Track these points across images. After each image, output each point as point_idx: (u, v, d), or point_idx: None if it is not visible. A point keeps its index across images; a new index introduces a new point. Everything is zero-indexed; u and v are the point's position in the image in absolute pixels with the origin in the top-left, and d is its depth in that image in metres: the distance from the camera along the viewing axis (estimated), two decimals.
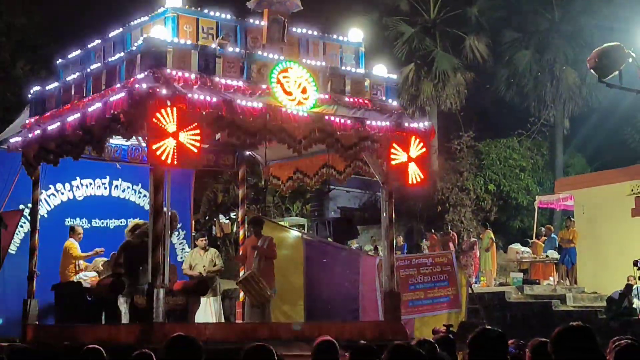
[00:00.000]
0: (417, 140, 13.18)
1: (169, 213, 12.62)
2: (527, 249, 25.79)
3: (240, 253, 15.61)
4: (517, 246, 26.49)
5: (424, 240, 27.74)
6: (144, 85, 10.76)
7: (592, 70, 7.15)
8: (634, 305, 19.54)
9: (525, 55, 35.46)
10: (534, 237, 26.98)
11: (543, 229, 27.26)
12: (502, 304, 21.94)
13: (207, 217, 28.37)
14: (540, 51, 35.42)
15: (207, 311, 14.92)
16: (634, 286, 19.28)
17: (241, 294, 15.09)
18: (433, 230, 27.09)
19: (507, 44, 35.91)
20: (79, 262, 14.79)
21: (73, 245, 14.38)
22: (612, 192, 23.31)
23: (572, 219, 25.01)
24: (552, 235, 25.96)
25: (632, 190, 22.52)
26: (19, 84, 26.83)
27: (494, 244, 25.56)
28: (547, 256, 24.91)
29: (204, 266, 15.00)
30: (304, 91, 12.14)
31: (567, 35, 34.87)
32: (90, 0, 33.00)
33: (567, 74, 34.27)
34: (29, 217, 14.25)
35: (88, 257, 14.56)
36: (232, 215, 27.42)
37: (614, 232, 22.54)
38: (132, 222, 14.32)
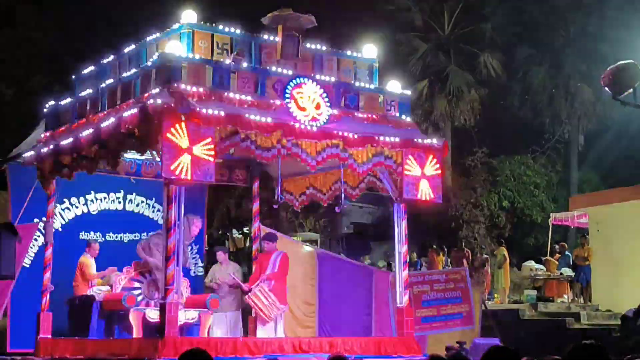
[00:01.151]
0: (430, 154, 13.21)
1: (185, 221, 12.69)
2: (541, 267, 25.74)
3: (254, 268, 15.60)
4: (531, 263, 26.45)
5: (421, 259, 27.40)
6: (159, 101, 10.81)
7: (606, 88, 7.15)
8: None
9: (539, 72, 35.49)
10: (548, 255, 26.89)
11: (557, 246, 27.18)
12: (516, 322, 21.86)
13: (220, 232, 28.42)
14: (555, 67, 35.45)
15: (225, 325, 14.88)
16: None
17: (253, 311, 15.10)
18: (434, 246, 26.89)
19: (522, 60, 35.96)
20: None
21: (88, 262, 14.39)
22: (627, 210, 23.21)
23: (587, 236, 24.92)
24: (567, 252, 25.90)
25: None
26: (34, 97, 26.97)
27: (507, 261, 25.50)
28: (561, 274, 24.85)
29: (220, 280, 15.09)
30: (317, 107, 12.18)
31: (582, 51, 34.87)
32: (106, 15, 33.14)
33: (582, 90, 34.26)
34: (43, 231, 14.30)
35: (101, 276, 14.57)
36: (245, 229, 27.47)
37: (629, 250, 22.44)
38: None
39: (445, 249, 27.69)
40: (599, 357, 4.63)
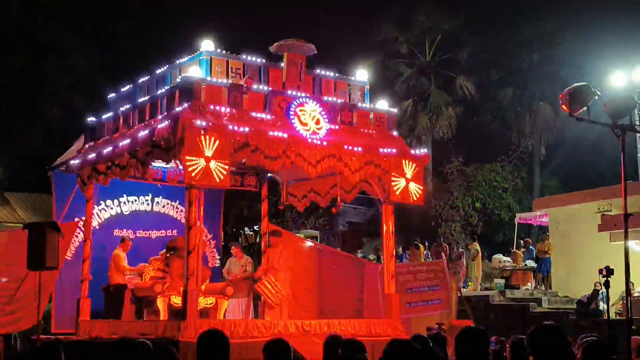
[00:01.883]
0: (413, 163, 13.22)
1: None
2: (508, 259, 25.69)
3: (263, 260, 15.58)
4: (499, 256, 26.40)
5: (406, 253, 27.21)
6: (183, 117, 10.83)
7: (563, 106, 7.15)
8: (600, 308, 19.43)
9: (507, 92, 35.51)
10: (514, 248, 26.85)
11: (522, 241, 27.15)
12: (487, 306, 21.85)
13: (234, 229, 28.41)
14: (521, 89, 35.47)
15: (238, 310, 14.89)
16: (600, 291, 19.16)
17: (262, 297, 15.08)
18: (416, 241, 26.77)
19: (492, 82, 36.00)
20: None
21: (121, 255, 14.37)
22: (582, 211, 23.23)
23: (547, 233, 24.94)
24: (530, 247, 25.88)
25: (599, 209, 22.43)
26: (76, 114, 27.05)
27: (480, 254, 25.46)
28: (525, 265, 24.81)
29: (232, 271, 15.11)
30: (317, 122, 12.19)
31: (543, 75, 34.91)
32: (136, 45, 33.23)
33: (544, 108, 34.28)
34: (83, 228, 14.31)
35: (131, 271, 14.54)
36: (255, 227, 27.43)
37: (583, 245, 22.45)
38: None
39: (426, 244, 27.63)
40: (557, 336, 4.62)
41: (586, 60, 32.57)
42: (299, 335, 11.67)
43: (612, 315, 18.73)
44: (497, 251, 28.40)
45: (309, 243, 17.97)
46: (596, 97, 7.09)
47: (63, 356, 5.48)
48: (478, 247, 25.56)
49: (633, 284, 18.57)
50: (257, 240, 24.71)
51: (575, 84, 7.17)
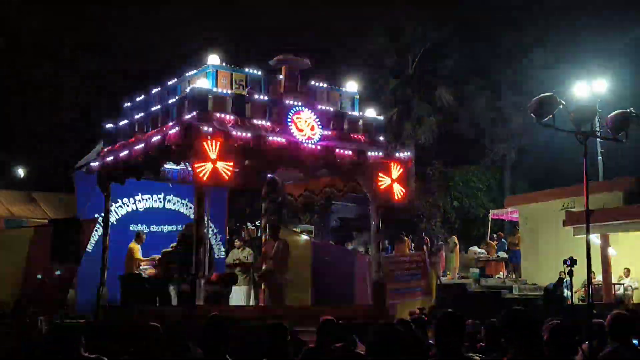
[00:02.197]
0: (398, 165, 13.23)
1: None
2: (483, 251, 25.76)
3: (263, 251, 15.56)
4: (475, 248, 26.48)
5: (392, 246, 27.11)
6: (192, 123, 10.83)
7: (532, 114, 7.18)
8: (564, 294, 19.51)
9: (482, 102, 35.55)
10: (488, 241, 26.90)
11: (495, 235, 27.22)
12: (464, 293, 21.92)
13: (237, 224, 28.32)
14: (494, 99, 35.50)
15: (240, 297, 14.87)
16: (564, 280, 19.24)
17: (263, 284, 15.06)
18: (402, 234, 26.71)
19: (469, 93, 36.02)
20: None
21: (135, 248, 14.36)
22: (548, 208, 23.32)
23: (517, 227, 25.02)
24: (502, 240, 25.95)
25: (563, 206, 22.51)
26: (95, 120, 27.04)
27: (457, 247, 25.52)
28: (498, 256, 24.90)
29: (238, 260, 15.13)
30: (312, 129, 12.18)
31: (515, 86, 34.97)
32: (148, 58, 33.13)
33: (515, 116, 34.31)
34: (102, 224, 14.30)
35: (145, 262, 14.51)
36: (257, 222, 27.37)
37: (549, 238, 22.54)
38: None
39: (410, 238, 27.63)
40: (524, 320, 4.63)
41: (553, 73, 32.68)
42: (296, 320, 11.68)
43: (575, 301, 18.88)
44: (473, 244, 28.47)
45: (304, 237, 17.97)
46: (561, 107, 7.13)
47: (83, 339, 5.49)
48: (456, 240, 25.66)
49: (594, 272, 18.66)
50: (258, 234, 24.65)
51: (543, 95, 7.20)
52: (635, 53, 33.92)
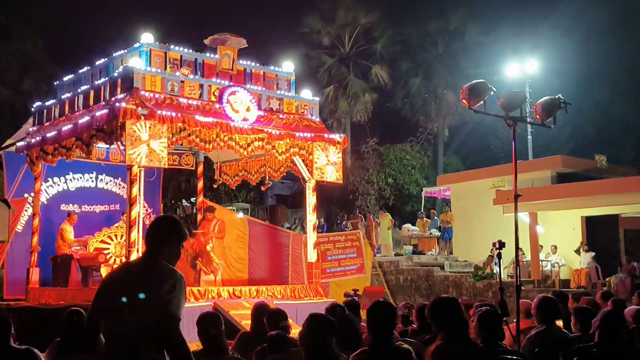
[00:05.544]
0: (335, 148, 13.28)
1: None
2: (416, 228, 26.07)
3: (199, 230, 15.42)
4: (408, 225, 26.77)
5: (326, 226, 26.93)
6: (123, 104, 10.61)
7: (463, 100, 7.28)
8: (494, 271, 19.94)
9: (416, 81, 35.86)
10: (421, 218, 27.25)
11: (428, 212, 27.58)
12: (397, 270, 22.19)
13: (172, 202, 27.98)
14: (427, 78, 35.84)
15: None
16: (494, 257, 19.67)
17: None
18: (356, 213, 26.74)
19: (403, 72, 36.23)
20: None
21: (67, 228, 14.03)
22: (479, 186, 23.71)
23: (450, 205, 25.40)
24: (435, 217, 26.31)
25: (494, 185, 22.93)
26: (26, 97, 26.24)
27: (391, 224, 25.76)
28: (430, 233, 25.23)
29: None
30: (248, 109, 12.10)
31: (448, 66, 35.34)
32: (82, 32, 32.28)
33: (447, 95, 34.72)
34: (32, 204, 13.93)
35: (77, 242, 14.20)
36: (192, 200, 27.10)
37: (480, 216, 22.95)
38: None
39: (345, 216, 27.75)
40: (453, 307, 4.69)
41: (484, 53, 33.22)
42: (230, 301, 11.66)
43: (504, 277, 19.35)
44: (407, 221, 28.81)
45: (240, 215, 17.88)
46: (491, 93, 7.24)
47: (13, 329, 5.33)
48: (390, 218, 25.86)
49: (522, 250, 19.13)
50: (194, 212, 24.39)
51: (474, 81, 7.29)
52: (564, 33, 34.74)
